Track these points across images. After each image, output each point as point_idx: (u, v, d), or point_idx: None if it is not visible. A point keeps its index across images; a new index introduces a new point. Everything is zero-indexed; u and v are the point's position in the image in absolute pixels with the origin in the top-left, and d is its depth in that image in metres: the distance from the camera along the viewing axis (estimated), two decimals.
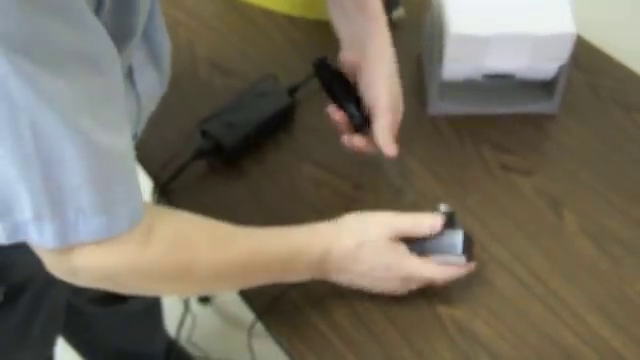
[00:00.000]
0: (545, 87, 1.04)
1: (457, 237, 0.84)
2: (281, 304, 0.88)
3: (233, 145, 0.99)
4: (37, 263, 0.84)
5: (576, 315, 0.87)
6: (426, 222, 0.84)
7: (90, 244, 0.66)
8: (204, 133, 1.00)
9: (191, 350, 1.64)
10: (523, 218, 0.94)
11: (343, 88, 0.95)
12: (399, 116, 0.92)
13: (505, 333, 0.85)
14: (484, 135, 1.03)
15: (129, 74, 0.77)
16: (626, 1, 2.01)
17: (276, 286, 0.89)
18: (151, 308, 1.44)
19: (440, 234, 0.84)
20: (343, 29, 0.95)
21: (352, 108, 0.93)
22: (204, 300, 1.80)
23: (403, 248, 0.83)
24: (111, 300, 1.27)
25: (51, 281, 0.74)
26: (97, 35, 0.61)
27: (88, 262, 0.68)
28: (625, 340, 0.85)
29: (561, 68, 1.00)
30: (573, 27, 0.95)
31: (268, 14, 1.20)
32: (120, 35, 0.68)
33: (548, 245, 0.92)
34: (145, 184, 1.14)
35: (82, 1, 0.58)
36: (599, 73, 1.10)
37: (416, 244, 0.84)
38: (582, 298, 0.88)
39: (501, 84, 1.04)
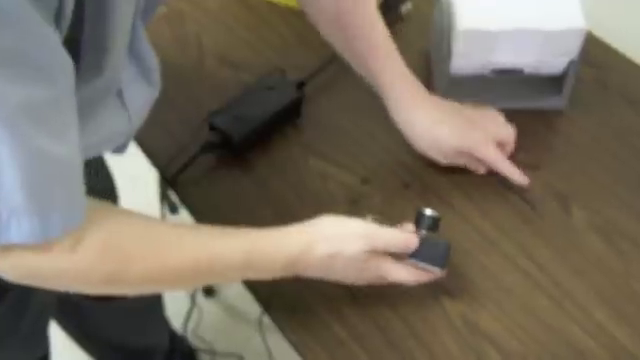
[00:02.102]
0: (553, 82, 1.04)
1: (440, 249, 0.84)
2: (288, 298, 0.88)
3: (241, 139, 0.99)
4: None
5: (584, 310, 0.86)
6: (401, 241, 0.83)
7: (20, 245, 0.65)
8: (212, 127, 1.00)
9: (197, 343, 1.64)
10: (531, 213, 0.94)
11: None
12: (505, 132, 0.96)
13: (513, 328, 0.85)
14: None
15: (119, 93, 0.78)
16: None
17: (282, 280, 0.89)
18: (151, 303, 1.44)
19: (423, 241, 0.83)
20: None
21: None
22: (209, 293, 1.80)
23: (380, 256, 0.82)
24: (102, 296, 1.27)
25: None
26: (44, 42, 0.59)
27: (15, 262, 0.67)
28: (633, 335, 0.85)
29: (570, 63, 0.99)
30: (583, 22, 0.95)
31: (276, 7, 1.20)
32: (96, 46, 0.68)
33: (556, 240, 0.92)
34: (152, 177, 1.14)
35: (28, 7, 0.57)
36: (607, 68, 1.10)
37: None
38: (590, 293, 0.88)
39: (509, 79, 1.04)
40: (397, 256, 0.83)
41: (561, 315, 0.86)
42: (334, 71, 1.10)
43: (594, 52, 1.09)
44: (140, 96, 0.82)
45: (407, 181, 0.97)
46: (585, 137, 1.03)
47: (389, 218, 0.93)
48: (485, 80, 1.04)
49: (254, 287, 0.89)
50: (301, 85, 1.06)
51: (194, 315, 1.54)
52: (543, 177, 0.98)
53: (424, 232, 0.84)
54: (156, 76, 0.84)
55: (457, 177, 0.98)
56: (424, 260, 0.83)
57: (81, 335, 1.39)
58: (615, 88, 1.07)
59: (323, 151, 1.01)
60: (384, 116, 1.05)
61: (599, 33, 1.11)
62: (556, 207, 0.95)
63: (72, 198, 0.66)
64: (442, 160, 0.96)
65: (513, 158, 0.99)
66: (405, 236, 0.83)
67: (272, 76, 1.06)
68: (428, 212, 0.85)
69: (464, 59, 0.99)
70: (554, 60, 1.00)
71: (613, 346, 0.84)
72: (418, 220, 0.85)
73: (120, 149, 0.87)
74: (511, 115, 1.04)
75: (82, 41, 0.65)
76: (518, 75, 1.02)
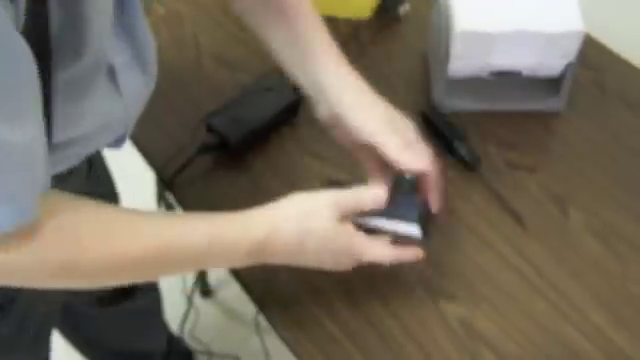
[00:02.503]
0: (551, 84, 1.04)
1: (413, 204, 0.81)
2: (284, 299, 0.88)
3: (238, 140, 0.99)
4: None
5: (581, 312, 0.86)
6: (369, 196, 0.80)
7: None
8: (209, 128, 1.00)
9: (193, 344, 1.64)
10: (528, 215, 0.94)
11: (452, 132, 1.00)
12: (409, 131, 0.86)
13: (509, 330, 0.85)
14: (490, 132, 1.03)
15: (111, 76, 0.76)
16: None
17: (280, 280, 0.89)
18: (151, 307, 1.43)
19: (398, 200, 0.80)
20: (305, 82, 0.89)
21: (464, 151, 0.98)
22: (206, 294, 1.80)
23: (350, 229, 0.79)
24: (109, 300, 1.27)
25: (43, 290, 0.73)
26: None
27: None
28: (630, 337, 0.85)
29: (568, 66, 0.99)
30: (581, 25, 0.95)
31: None
32: (68, 28, 0.64)
33: (553, 242, 0.92)
34: (149, 178, 1.14)
35: None
36: (605, 70, 1.10)
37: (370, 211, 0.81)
38: (587, 296, 0.88)
39: (507, 81, 1.04)
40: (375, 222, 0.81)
41: (558, 317, 0.86)
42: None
43: (592, 54, 1.09)
44: (135, 83, 0.80)
45: None
46: (583, 139, 1.03)
47: None
48: (483, 82, 1.04)
49: (249, 287, 0.89)
50: (298, 87, 1.06)
51: (191, 316, 1.54)
52: (540, 179, 0.98)
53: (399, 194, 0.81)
54: (153, 67, 0.82)
55: (456, 180, 0.98)
56: (396, 217, 0.80)
57: (80, 340, 1.38)
58: (613, 90, 1.07)
59: (320, 151, 1.01)
60: None
61: (597, 35, 1.11)
62: (553, 209, 0.95)
63: (20, 190, 0.62)
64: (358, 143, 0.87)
65: (510, 160, 0.99)
66: (372, 189, 0.80)
67: (270, 77, 1.05)
68: (407, 175, 0.83)
69: (462, 61, 0.99)
70: (552, 62, 1.00)
71: (610, 348, 0.84)
72: (395, 185, 0.83)
73: (118, 142, 0.86)
74: (509, 117, 1.04)
75: (50, 24, 0.61)
76: (516, 77, 1.02)
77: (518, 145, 1.01)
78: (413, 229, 0.81)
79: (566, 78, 1.01)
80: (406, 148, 0.83)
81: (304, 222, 0.77)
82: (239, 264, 0.80)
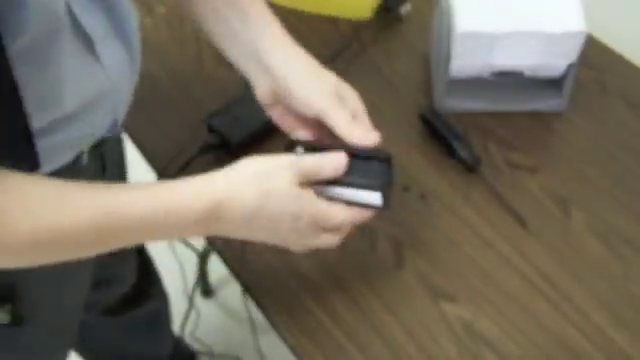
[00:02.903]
0: (553, 85, 1.03)
1: (376, 172, 0.78)
2: (288, 300, 0.88)
3: (240, 140, 0.99)
4: (48, 289, 0.81)
5: (583, 314, 0.86)
6: (330, 161, 0.77)
7: None
8: (210, 128, 1.00)
9: (194, 345, 1.64)
10: (530, 216, 0.94)
11: (452, 134, 0.99)
12: (355, 103, 0.83)
13: (511, 332, 0.85)
14: (491, 132, 1.03)
15: (90, 47, 0.72)
16: None
17: (281, 282, 0.89)
18: (159, 313, 1.42)
19: (359, 166, 0.78)
20: (244, 58, 0.85)
21: (465, 152, 0.97)
22: (207, 293, 1.80)
23: (311, 195, 0.76)
24: (117, 310, 1.26)
25: (62, 306, 0.72)
26: None
27: None
28: (632, 339, 0.84)
29: (570, 66, 0.99)
30: (584, 25, 0.95)
31: (274, 8, 1.19)
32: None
33: (555, 243, 0.92)
34: (151, 179, 1.14)
35: None
36: (607, 71, 1.10)
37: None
38: (589, 297, 0.87)
39: (509, 81, 1.03)
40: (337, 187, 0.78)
41: (559, 318, 0.86)
42: (333, 72, 1.09)
43: (594, 54, 1.09)
44: (116, 56, 0.76)
45: (406, 184, 0.97)
46: (584, 140, 1.02)
47: (387, 221, 0.93)
48: (484, 82, 1.04)
49: (249, 287, 0.89)
50: None
51: (192, 317, 1.54)
52: (542, 179, 0.98)
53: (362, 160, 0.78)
54: (134, 40, 0.78)
55: (457, 181, 0.98)
56: (360, 186, 0.77)
57: (86, 348, 1.37)
58: (615, 91, 1.07)
59: None
60: (383, 118, 1.04)
61: (599, 35, 1.11)
62: (555, 209, 0.95)
63: None
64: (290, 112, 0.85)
65: (511, 160, 0.99)
66: (333, 155, 0.77)
67: None
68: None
69: (463, 61, 0.99)
70: (554, 62, 0.99)
71: (611, 349, 0.84)
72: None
73: (110, 130, 0.82)
74: (510, 117, 1.04)
75: None
76: (517, 77, 1.02)
77: (519, 145, 1.01)
78: (375, 197, 0.78)
79: (568, 78, 1.01)
80: (356, 123, 0.81)
81: (263, 183, 0.73)
82: (190, 234, 0.76)
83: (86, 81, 0.73)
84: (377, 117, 1.04)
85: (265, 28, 0.84)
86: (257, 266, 0.91)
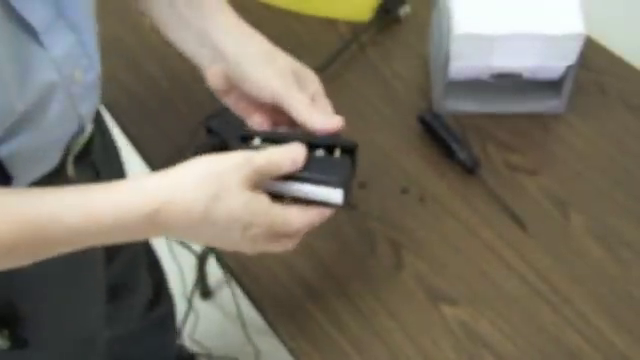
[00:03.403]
0: (552, 86, 1.03)
1: (339, 166, 0.72)
2: (286, 302, 0.87)
3: (237, 142, 0.98)
4: (54, 307, 0.80)
5: (582, 317, 0.86)
6: (286, 157, 0.70)
7: None
8: (209, 129, 0.99)
9: (193, 347, 1.63)
10: (529, 218, 0.94)
11: (451, 136, 0.98)
12: (314, 86, 0.79)
13: (511, 334, 0.85)
14: (490, 134, 1.02)
15: (34, 36, 0.68)
16: (633, 0, 2.00)
17: (280, 284, 0.89)
18: (167, 319, 1.41)
19: (323, 160, 0.72)
20: (196, 44, 0.82)
21: (464, 154, 0.96)
22: (206, 295, 1.80)
23: (263, 201, 0.69)
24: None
25: (75, 324, 0.69)
26: None
27: None
28: (632, 342, 0.84)
29: (569, 68, 0.99)
30: (582, 27, 0.95)
31: (272, 10, 1.19)
32: None
33: (554, 246, 0.92)
34: None
35: None
36: (606, 72, 1.09)
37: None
38: (589, 300, 0.87)
39: (508, 83, 1.03)
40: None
41: (559, 321, 0.86)
42: (332, 74, 1.09)
43: (593, 56, 1.08)
44: (62, 40, 0.72)
45: (405, 186, 0.97)
46: (583, 142, 1.02)
47: (387, 223, 0.93)
48: (483, 84, 1.04)
49: (248, 289, 0.89)
50: None
51: (190, 318, 1.54)
52: (541, 182, 0.98)
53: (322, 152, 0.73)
54: (86, 30, 0.74)
55: (456, 183, 0.97)
56: (319, 182, 0.71)
57: None
58: (614, 93, 1.07)
59: None
60: (382, 120, 1.04)
61: (598, 37, 1.11)
62: (554, 212, 0.95)
63: None
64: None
65: (510, 163, 0.99)
66: (290, 149, 0.71)
67: None
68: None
69: (462, 63, 0.99)
70: (553, 64, 0.99)
71: (611, 352, 0.83)
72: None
73: (81, 129, 0.79)
74: (509, 119, 1.03)
75: None
76: (516, 79, 1.02)
77: (518, 147, 1.01)
78: (336, 195, 0.71)
79: (567, 80, 1.01)
80: (315, 107, 0.76)
81: (212, 187, 0.66)
82: (134, 238, 0.69)
83: (33, 72, 0.68)
84: (376, 118, 1.04)
85: (216, 12, 0.81)
86: (256, 269, 0.90)
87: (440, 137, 0.99)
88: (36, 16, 0.67)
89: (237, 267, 0.91)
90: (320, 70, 1.08)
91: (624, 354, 0.83)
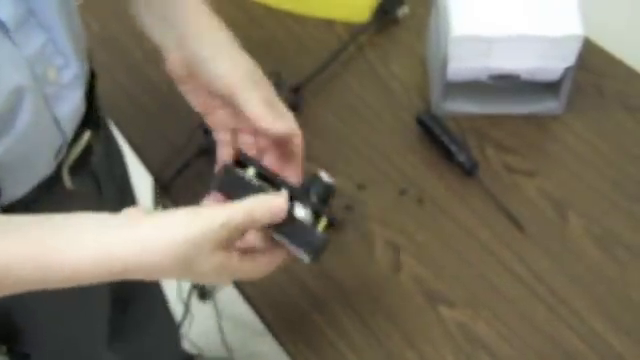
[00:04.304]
0: (550, 88, 1.03)
1: (317, 237, 0.69)
2: (285, 305, 0.87)
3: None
4: (56, 320, 0.79)
5: (580, 319, 0.86)
6: (267, 212, 0.67)
7: None
8: (207, 131, 0.99)
9: (190, 349, 1.63)
10: (527, 220, 0.94)
11: (449, 137, 0.98)
12: (268, 90, 0.77)
13: (509, 336, 0.85)
14: (488, 135, 1.02)
15: (4, 32, 0.67)
16: (632, 2, 2.00)
17: (279, 287, 0.88)
18: (167, 336, 1.40)
19: (300, 223, 0.69)
20: (160, 30, 0.80)
21: (462, 156, 0.96)
22: (203, 296, 1.80)
23: (235, 259, 0.68)
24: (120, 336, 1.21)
25: (79, 335, 0.68)
26: None
27: None
28: (629, 344, 0.84)
29: (567, 69, 0.99)
30: (581, 29, 0.94)
31: (272, 11, 1.19)
32: None
33: (552, 247, 0.92)
34: (146, 181, 1.13)
35: None
36: (604, 74, 1.09)
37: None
38: (587, 301, 0.87)
39: (506, 84, 1.03)
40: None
41: (557, 323, 0.86)
42: (330, 75, 1.09)
43: (591, 58, 1.08)
44: (33, 39, 0.70)
45: (403, 187, 0.97)
46: (582, 143, 1.02)
47: (385, 224, 0.93)
48: (482, 85, 1.03)
49: (246, 291, 0.89)
50: (297, 90, 1.06)
51: (187, 320, 1.54)
52: (539, 183, 0.98)
53: (314, 199, 0.71)
54: (58, 28, 0.73)
55: (454, 184, 0.97)
56: (293, 241, 0.69)
57: None
58: (612, 94, 1.07)
59: (318, 156, 1.00)
60: (380, 121, 1.04)
61: (596, 39, 1.11)
62: (552, 214, 0.95)
63: None
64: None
65: (509, 164, 0.99)
66: (270, 199, 0.68)
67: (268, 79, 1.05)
68: (324, 176, 0.72)
69: (460, 64, 0.99)
70: (551, 66, 0.99)
71: (609, 354, 0.83)
72: (309, 185, 0.73)
73: (63, 136, 0.77)
74: (507, 120, 1.03)
75: None
76: (515, 81, 1.02)
77: (517, 149, 1.01)
78: (304, 256, 0.70)
79: (565, 82, 1.01)
80: (270, 106, 0.75)
81: (186, 254, 0.63)
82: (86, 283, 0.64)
83: (3, 71, 0.67)
84: (374, 120, 1.04)
85: (190, 9, 0.79)
86: None
87: (438, 138, 0.99)
88: (7, 13, 0.66)
89: None
90: (318, 71, 1.08)
91: (622, 356, 0.83)
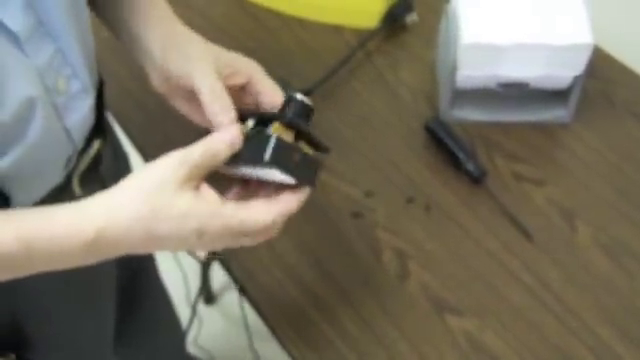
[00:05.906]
0: (559, 96, 1.03)
1: (265, 142, 0.66)
2: (291, 310, 0.87)
3: None
4: (63, 327, 0.79)
5: (588, 328, 0.86)
6: (221, 144, 0.66)
7: None
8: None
9: (197, 353, 1.63)
10: (535, 229, 0.93)
11: (457, 145, 0.98)
12: (249, 72, 0.77)
13: (516, 346, 0.84)
14: (497, 143, 1.02)
15: (15, 42, 0.67)
16: None
17: (285, 292, 0.88)
18: (172, 342, 1.40)
19: (250, 137, 0.67)
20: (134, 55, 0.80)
21: (470, 164, 0.96)
22: (210, 300, 1.80)
23: (212, 199, 0.66)
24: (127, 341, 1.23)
25: (86, 340, 0.68)
26: None
27: None
28: (637, 354, 0.84)
29: (576, 78, 0.99)
30: (590, 38, 0.94)
31: (280, 17, 1.19)
32: None
33: (561, 257, 0.91)
34: None
35: None
36: (613, 82, 1.09)
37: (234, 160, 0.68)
38: (595, 311, 0.87)
39: (515, 92, 1.03)
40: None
41: (565, 332, 0.85)
42: (339, 82, 1.09)
43: (600, 66, 1.08)
44: (43, 49, 0.70)
45: (411, 195, 0.97)
46: (590, 152, 1.02)
47: (392, 232, 0.93)
48: (490, 93, 1.03)
49: (252, 296, 0.89)
50: (305, 95, 1.05)
51: (194, 324, 1.54)
52: (548, 192, 0.97)
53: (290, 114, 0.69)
54: (65, 38, 0.72)
55: (462, 192, 0.97)
56: (246, 161, 0.67)
57: None
58: (621, 103, 1.07)
59: (326, 163, 1.00)
60: (388, 128, 1.04)
61: (606, 47, 1.10)
62: (561, 223, 0.94)
63: None
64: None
65: (517, 172, 0.99)
66: (222, 133, 0.68)
67: None
68: (298, 96, 0.71)
69: (469, 72, 0.98)
70: (560, 74, 0.99)
71: None
72: (284, 106, 0.71)
73: (74, 146, 0.77)
74: (516, 128, 1.03)
75: None
76: (523, 89, 1.01)
77: (525, 157, 1.01)
78: (274, 174, 0.67)
79: (574, 90, 1.00)
80: (218, 97, 0.73)
81: (146, 204, 0.63)
82: (72, 265, 0.65)
83: (15, 82, 0.66)
84: (382, 127, 1.04)
85: (146, 15, 0.79)
86: (261, 276, 0.90)
87: (446, 146, 0.99)
88: (18, 24, 0.66)
89: (241, 274, 0.91)
90: (326, 77, 1.08)
91: None
